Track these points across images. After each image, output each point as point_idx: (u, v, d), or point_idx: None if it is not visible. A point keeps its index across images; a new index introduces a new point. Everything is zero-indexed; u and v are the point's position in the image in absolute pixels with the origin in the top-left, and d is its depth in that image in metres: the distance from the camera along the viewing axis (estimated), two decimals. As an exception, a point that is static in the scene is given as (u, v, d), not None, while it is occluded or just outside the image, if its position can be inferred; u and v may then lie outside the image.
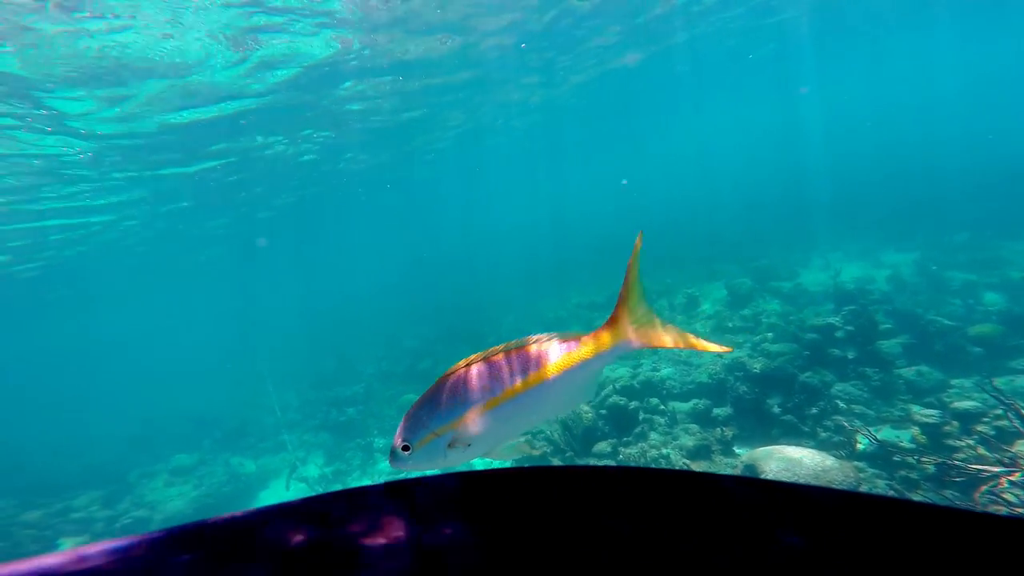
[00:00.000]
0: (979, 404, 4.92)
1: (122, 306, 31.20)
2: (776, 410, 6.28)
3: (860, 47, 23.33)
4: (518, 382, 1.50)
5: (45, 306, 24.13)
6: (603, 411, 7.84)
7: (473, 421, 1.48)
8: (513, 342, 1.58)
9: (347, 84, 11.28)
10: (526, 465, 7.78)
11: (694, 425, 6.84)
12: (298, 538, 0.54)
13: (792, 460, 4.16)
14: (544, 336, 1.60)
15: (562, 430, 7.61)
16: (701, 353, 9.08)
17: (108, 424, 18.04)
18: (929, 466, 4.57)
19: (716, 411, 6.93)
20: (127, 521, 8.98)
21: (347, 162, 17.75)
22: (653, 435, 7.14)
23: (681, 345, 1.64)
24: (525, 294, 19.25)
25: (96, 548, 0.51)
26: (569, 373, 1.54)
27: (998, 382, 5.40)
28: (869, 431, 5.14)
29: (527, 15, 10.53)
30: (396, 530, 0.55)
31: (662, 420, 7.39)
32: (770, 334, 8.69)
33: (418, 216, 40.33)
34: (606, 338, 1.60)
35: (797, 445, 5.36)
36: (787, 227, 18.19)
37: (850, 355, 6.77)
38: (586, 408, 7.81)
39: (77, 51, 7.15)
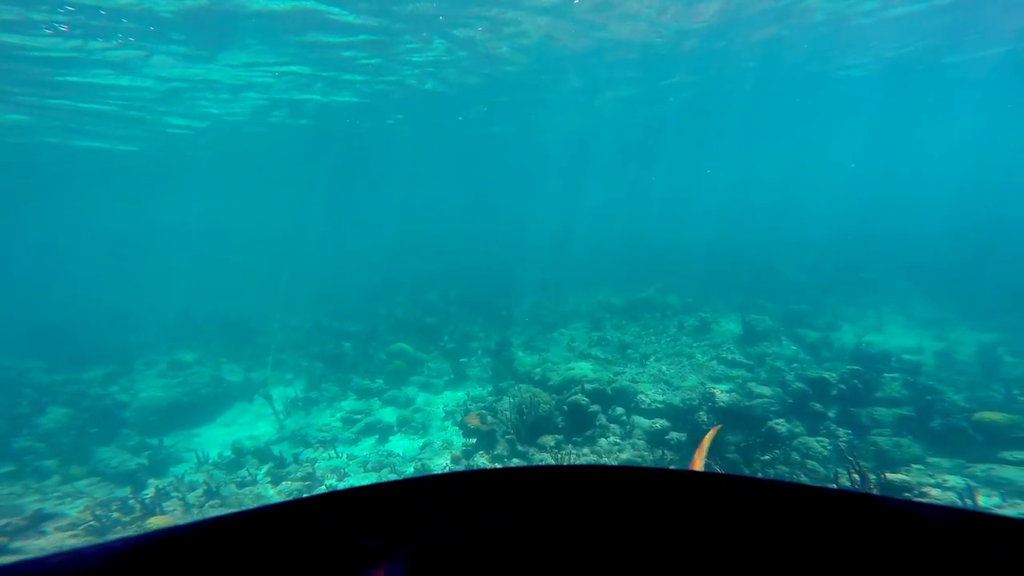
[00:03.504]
0: (935, 483, 4.31)
1: (208, 196, 31.71)
2: (729, 448, 5.86)
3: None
4: None
5: (141, 187, 25.07)
6: (564, 407, 7.63)
7: None
8: None
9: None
10: (474, 438, 7.73)
11: (643, 442, 6.52)
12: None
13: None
14: None
15: (515, 412, 7.50)
16: (685, 375, 8.61)
17: (158, 308, 19.69)
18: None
19: (673, 434, 6.56)
20: (107, 403, 9.69)
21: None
22: (602, 441, 6.88)
23: None
24: (561, 281, 19.00)
25: (92, 549, 0.52)
26: None
27: (977, 468, 4.70)
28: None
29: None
30: None
31: (618, 430, 7.10)
32: (764, 375, 8.07)
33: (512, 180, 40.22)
34: None
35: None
36: (864, 276, 16.39)
37: (831, 413, 6.15)
38: (546, 397, 7.63)
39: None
